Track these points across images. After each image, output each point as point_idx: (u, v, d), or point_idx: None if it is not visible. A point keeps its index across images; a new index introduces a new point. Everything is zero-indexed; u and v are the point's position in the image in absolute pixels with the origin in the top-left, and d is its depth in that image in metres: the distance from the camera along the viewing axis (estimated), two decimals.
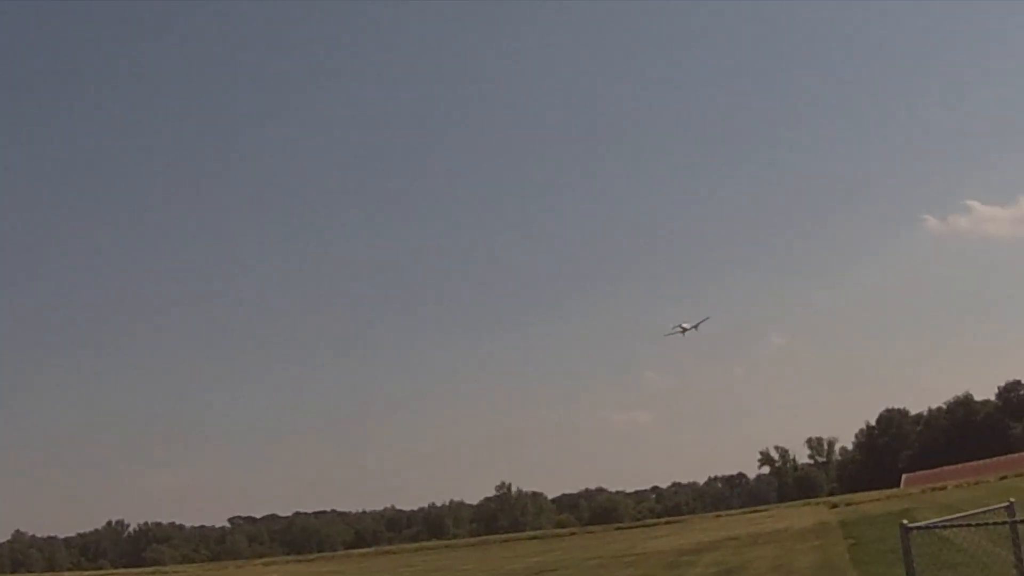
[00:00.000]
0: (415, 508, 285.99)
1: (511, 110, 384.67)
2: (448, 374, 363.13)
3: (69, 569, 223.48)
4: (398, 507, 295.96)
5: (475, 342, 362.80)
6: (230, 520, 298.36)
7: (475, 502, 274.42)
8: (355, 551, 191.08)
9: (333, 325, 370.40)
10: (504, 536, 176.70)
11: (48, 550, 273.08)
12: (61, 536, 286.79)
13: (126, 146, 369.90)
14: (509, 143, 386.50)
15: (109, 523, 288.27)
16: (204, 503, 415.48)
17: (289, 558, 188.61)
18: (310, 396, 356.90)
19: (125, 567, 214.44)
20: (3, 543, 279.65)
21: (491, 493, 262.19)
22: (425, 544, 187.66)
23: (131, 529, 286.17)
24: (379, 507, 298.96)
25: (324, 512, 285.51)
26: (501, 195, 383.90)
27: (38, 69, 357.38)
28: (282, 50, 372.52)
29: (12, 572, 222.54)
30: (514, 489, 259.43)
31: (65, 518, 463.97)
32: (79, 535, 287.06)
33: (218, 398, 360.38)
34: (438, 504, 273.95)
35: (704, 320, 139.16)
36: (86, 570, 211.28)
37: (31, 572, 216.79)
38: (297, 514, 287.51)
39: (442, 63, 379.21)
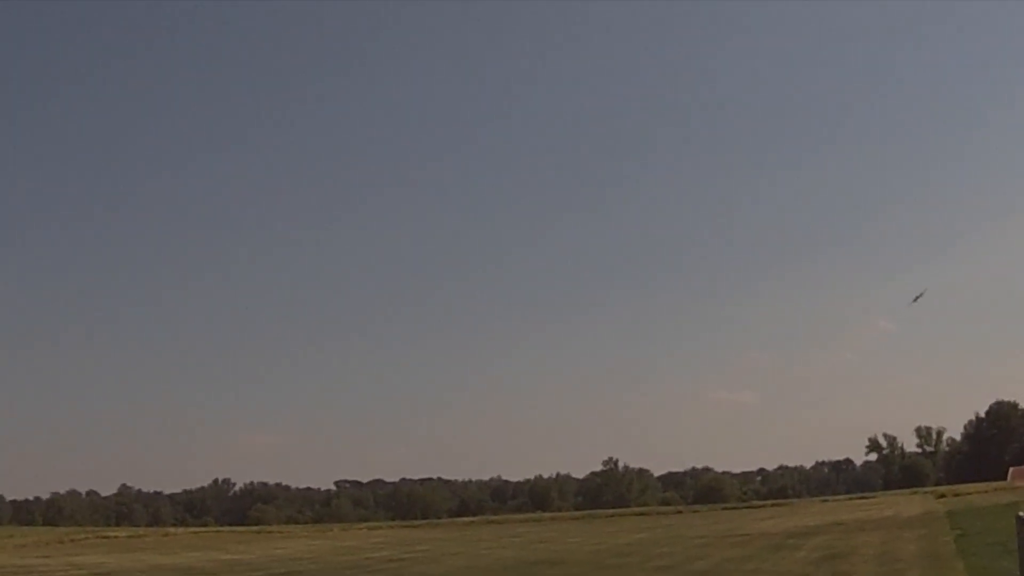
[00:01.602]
0: (521, 479, 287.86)
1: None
2: (559, 348, 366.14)
3: (172, 525, 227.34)
4: (504, 477, 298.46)
5: (587, 317, 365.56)
6: (336, 483, 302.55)
7: (581, 476, 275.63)
8: (459, 519, 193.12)
9: (442, 296, 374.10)
10: (609, 511, 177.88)
11: (153, 505, 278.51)
12: (167, 492, 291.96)
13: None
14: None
15: (215, 481, 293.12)
16: (311, 465, 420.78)
17: (393, 523, 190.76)
18: (421, 364, 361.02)
19: (229, 525, 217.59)
20: (109, 496, 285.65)
21: (597, 468, 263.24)
22: (530, 515, 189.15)
23: (237, 488, 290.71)
24: (485, 477, 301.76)
25: (430, 479, 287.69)
26: (626, 179, 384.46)
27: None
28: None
29: (116, 525, 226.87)
30: (621, 465, 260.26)
31: (172, 475, 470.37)
32: (185, 491, 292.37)
33: (331, 361, 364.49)
34: (544, 476, 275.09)
35: (924, 292, 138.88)
36: (190, 526, 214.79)
37: (135, 526, 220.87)
38: (403, 480, 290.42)
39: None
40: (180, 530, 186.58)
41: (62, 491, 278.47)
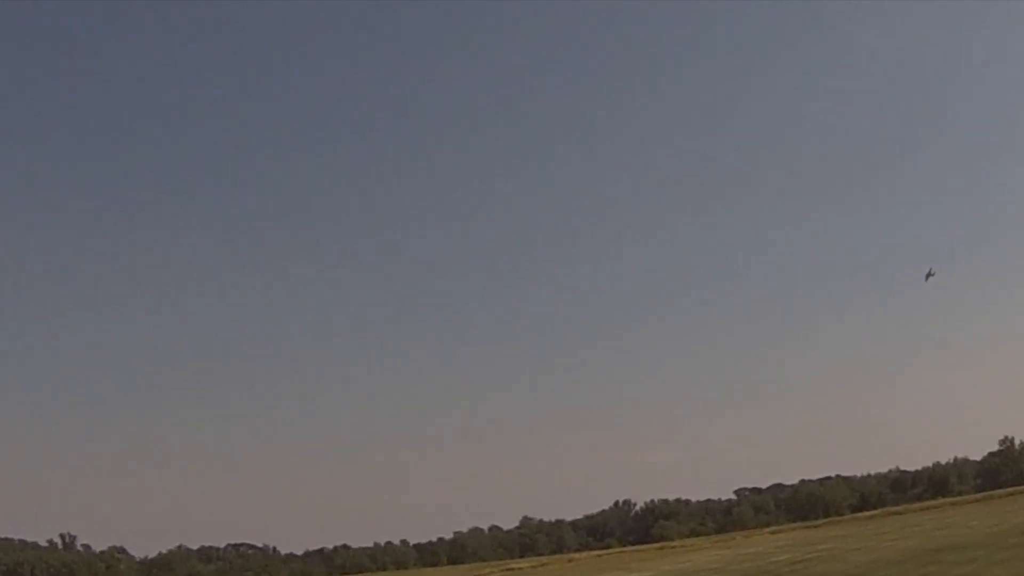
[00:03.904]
0: (919, 468, 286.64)
1: None
2: (945, 332, 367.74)
3: (576, 550, 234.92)
4: (902, 468, 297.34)
5: (970, 298, 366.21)
6: (736, 492, 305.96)
7: (979, 458, 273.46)
8: (861, 514, 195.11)
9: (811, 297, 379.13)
10: (1008, 490, 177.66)
11: (556, 533, 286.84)
12: (568, 519, 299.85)
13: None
14: None
15: (616, 503, 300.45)
16: (709, 477, 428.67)
17: (795, 525, 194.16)
18: (807, 366, 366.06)
19: (633, 544, 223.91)
20: (511, 529, 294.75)
21: (994, 448, 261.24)
22: (930, 503, 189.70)
23: (638, 508, 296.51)
24: (883, 469, 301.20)
25: (828, 478, 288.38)
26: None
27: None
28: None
29: (520, 556, 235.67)
30: (1016, 442, 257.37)
31: (572, 501, 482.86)
32: (586, 517, 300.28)
33: (720, 373, 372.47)
34: (942, 462, 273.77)
35: (931, 270, 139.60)
36: (593, 550, 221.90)
37: (539, 555, 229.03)
38: (802, 482, 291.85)
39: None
40: (583, 554, 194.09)
41: (464, 530, 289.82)
